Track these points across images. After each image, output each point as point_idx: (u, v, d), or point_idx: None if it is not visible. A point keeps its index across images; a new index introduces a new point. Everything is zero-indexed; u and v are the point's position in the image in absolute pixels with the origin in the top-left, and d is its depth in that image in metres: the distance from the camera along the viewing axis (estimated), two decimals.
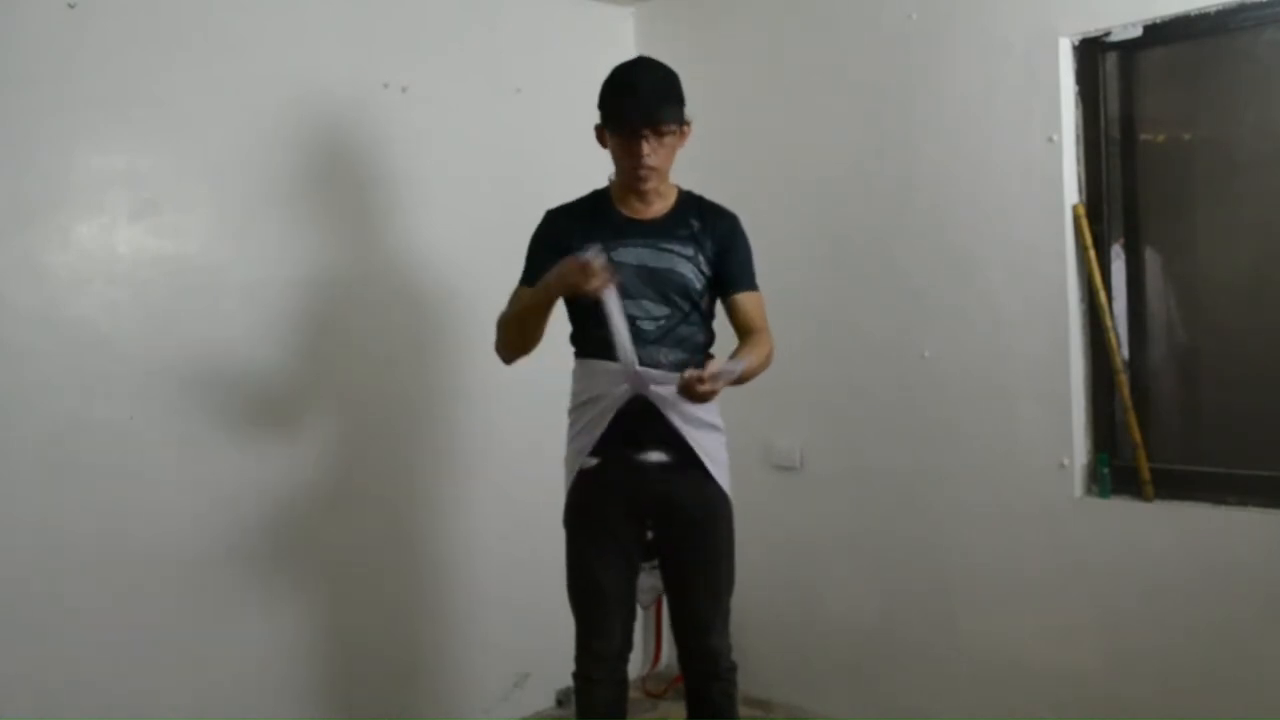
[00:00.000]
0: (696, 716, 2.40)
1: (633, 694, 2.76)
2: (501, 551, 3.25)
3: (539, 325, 2.32)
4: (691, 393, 2.12)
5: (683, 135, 2.34)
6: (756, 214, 2.61)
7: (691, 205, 2.40)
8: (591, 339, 2.32)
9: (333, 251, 2.92)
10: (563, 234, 2.34)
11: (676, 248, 2.32)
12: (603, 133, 2.34)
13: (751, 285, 2.39)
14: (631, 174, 2.29)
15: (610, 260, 2.27)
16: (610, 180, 2.41)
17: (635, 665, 2.78)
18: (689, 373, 2.11)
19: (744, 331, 2.35)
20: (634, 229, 2.33)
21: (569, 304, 2.37)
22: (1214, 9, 2.54)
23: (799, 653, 3.35)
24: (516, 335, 2.35)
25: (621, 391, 2.26)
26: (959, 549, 2.97)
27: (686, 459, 2.29)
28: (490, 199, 3.25)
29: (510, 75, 3.33)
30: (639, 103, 2.24)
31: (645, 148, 2.25)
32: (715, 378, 2.10)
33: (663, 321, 2.29)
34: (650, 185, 2.30)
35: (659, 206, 2.36)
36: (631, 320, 2.26)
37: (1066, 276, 2.75)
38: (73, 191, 2.49)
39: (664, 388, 2.22)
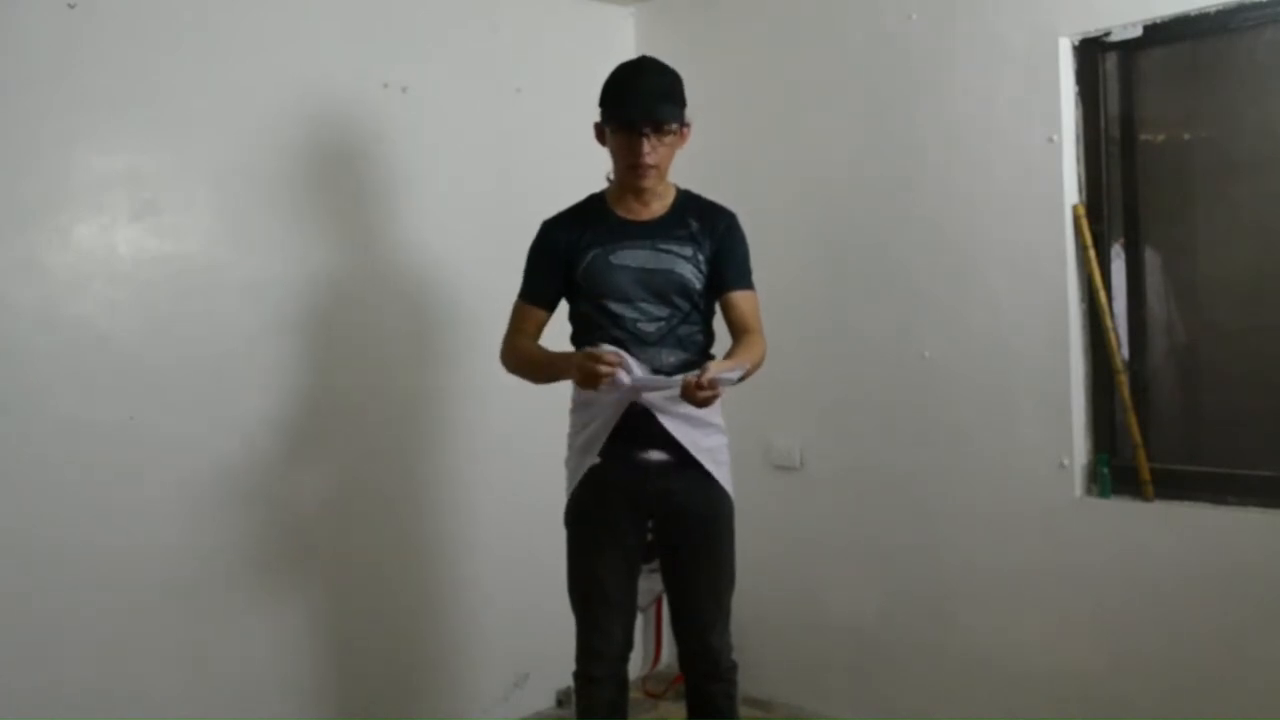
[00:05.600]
0: (697, 716, 2.40)
1: (633, 694, 2.76)
2: (501, 551, 3.25)
3: (549, 382, 2.38)
4: (691, 399, 2.12)
5: (682, 137, 2.34)
6: (756, 214, 2.62)
7: (690, 204, 2.39)
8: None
9: (333, 251, 2.92)
10: (561, 243, 2.35)
11: (675, 248, 2.32)
12: (602, 130, 2.34)
13: (747, 284, 2.39)
14: (630, 172, 2.29)
15: (610, 264, 2.28)
16: (608, 181, 2.41)
17: (635, 665, 2.78)
18: (687, 378, 2.11)
19: (738, 331, 2.35)
20: (632, 231, 2.33)
21: (573, 309, 2.38)
22: (1214, 9, 2.54)
23: (799, 653, 3.35)
24: (527, 377, 2.40)
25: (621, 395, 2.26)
26: (959, 549, 2.97)
27: (687, 458, 2.29)
28: (490, 199, 3.25)
29: (510, 75, 3.33)
30: (640, 100, 2.25)
31: (645, 145, 2.25)
32: (714, 383, 2.10)
33: (662, 323, 2.29)
34: (648, 184, 2.30)
35: (657, 207, 2.36)
36: (632, 323, 2.28)
37: (1066, 276, 2.75)
38: (73, 191, 2.49)
39: (665, 392, 2.22)
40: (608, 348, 2.19)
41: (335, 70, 2.93)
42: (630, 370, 2.17)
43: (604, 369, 2.11)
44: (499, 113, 3.30)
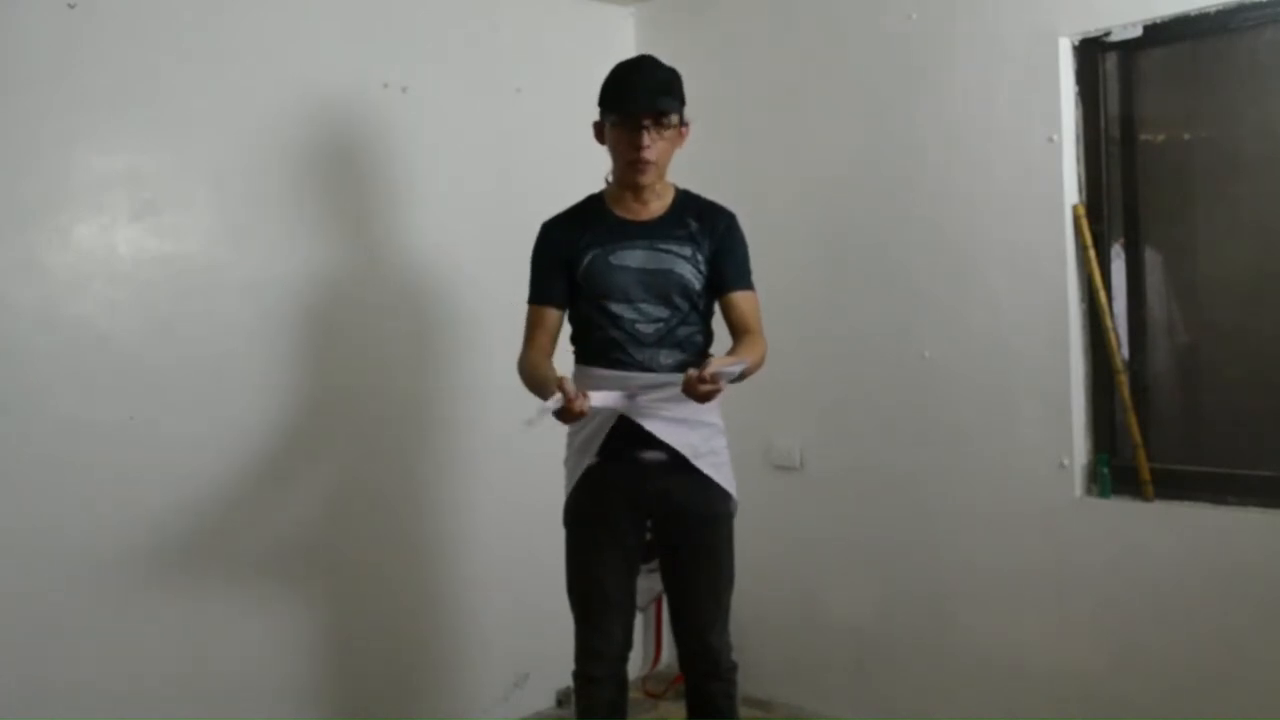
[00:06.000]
0: (696, 716, 2.40)
1: (633, 694, 2.76)
2: (501, 551, 3.25)
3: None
4: (693, 393, 2.11)
5: (681, 135, 2.34)
6: (756, 214, 2.62)
7: (689, 204, 2.39)
8: (593, 348, 2.32)
9: (333, 251, 2.92)
10: (561, 244, 2.35)
11: (674, 248, 2.32)
12: (601, 128, 2.34)
13: (747, 284, 2.38)
14: (629, 168, 2.29)
15: (610, 265, 2.28)
16: (606, 182, 2.41)
17: (635, 665, 2.78)
18: (690, 373, 2.10)
19: (738, 331, 2.35)
20: (631, 231, 2.33)
21: (573, 310, 2.38)
22: (1214, 9, 2.54)
23: (799, 653, 3.35)
24: (533, 392, 2.32)
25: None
26: (959, 549, 2.97)
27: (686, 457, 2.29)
28: (490, 199, 3.25)
29: (510, 75, 3.33)
30: (640, 93, 2.25)
31: (645, 138, 2.25)
32: (716, 377, 2.09)
33: (661, 324, 2.29)
34: (647, 179, 2.30)
35: (656, 206, 2.36)
36: (631, 324, 2.28)
37: (1066, 276, 2.75)
38: (73, 191, 2.49)
39: (665, 391, 2.22)
40: (560, 394, 2.08)
41: (335, 70, 2.93)
42: (591, 403, 2.13)
43: (575, 406, 2.07)
44: (499, 113, 3.30)
